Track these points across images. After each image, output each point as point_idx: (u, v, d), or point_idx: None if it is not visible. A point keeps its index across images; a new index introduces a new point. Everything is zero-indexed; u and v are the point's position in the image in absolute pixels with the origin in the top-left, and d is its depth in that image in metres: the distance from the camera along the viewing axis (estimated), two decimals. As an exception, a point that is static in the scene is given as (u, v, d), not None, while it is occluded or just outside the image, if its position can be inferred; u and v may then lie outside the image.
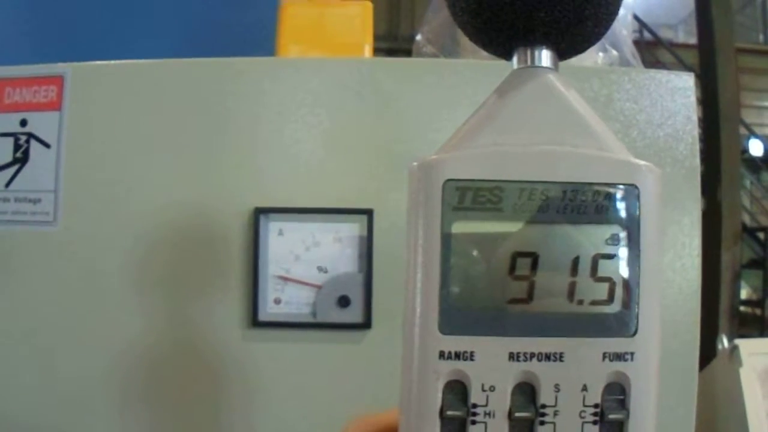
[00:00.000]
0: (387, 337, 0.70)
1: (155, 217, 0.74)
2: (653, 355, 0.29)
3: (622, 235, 0.29)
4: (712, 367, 1.20)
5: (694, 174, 0.74)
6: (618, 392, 0.29)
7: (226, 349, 0.72)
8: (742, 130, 3.64)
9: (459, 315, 0.29)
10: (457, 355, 0.29)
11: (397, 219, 0.71)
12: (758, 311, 3.93)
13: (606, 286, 0.29)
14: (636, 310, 0.29)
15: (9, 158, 0.77)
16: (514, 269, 0.29)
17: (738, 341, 1.14)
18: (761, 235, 4.22)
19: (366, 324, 0.71)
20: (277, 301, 0.72)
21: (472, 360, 0.29)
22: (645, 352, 0.29)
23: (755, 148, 4.94)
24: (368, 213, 0.71)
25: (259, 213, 0.72)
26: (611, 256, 0.29)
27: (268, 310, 0.72)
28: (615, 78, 0.75)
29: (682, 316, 0.72)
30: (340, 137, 0.74)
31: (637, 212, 0.29)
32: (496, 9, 0.30)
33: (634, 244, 0.29)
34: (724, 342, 1.20)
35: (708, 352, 1.14)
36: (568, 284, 0.29)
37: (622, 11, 1.11)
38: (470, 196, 0.29)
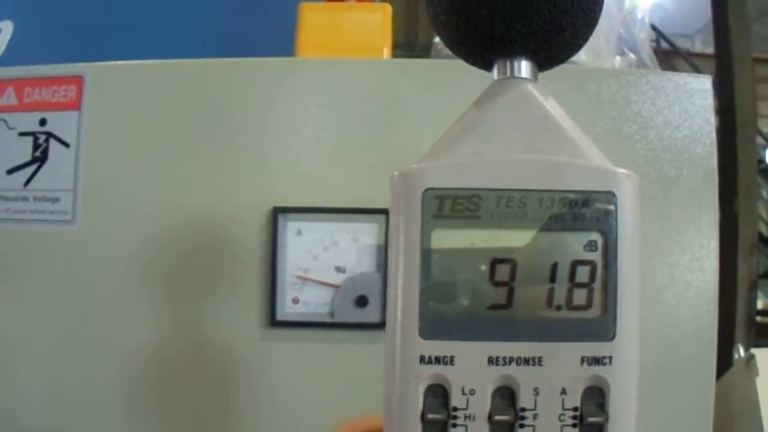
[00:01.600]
0: (405, 338, 0.69)
1: (174, 217, 0.72)
2: (632, 359, 0.28)
3: (600, 241, 0.28)
4: (729, 376, 1.16)
5: (711, 175, 0.71)
6: (597, 396, 0.28)
7: (245, 349, 0.71)
8: (759, 140, 3.51)
9: (439, 320, 0.28)
10: (438, 360, 0.28)
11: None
12: None
13: (584, 291, 0.28)
14: (614, 314, 0.28)
15: (28, 157, 0.75)
16: (493, 275, 0.28)
17: (754, 351, 1.10)
18: None
19: (384, 324, 0.69)
20: (296, 301, 0.70)
21: (452, 364, 0.28)
22: (623, 356, 0.28)
23: None
24: (386, 213, 0.69)
25: (278, 212, 0.70)
26: (589, 262, 0.28)
27: (287, 310, 0.70)
28: (633, 80, 0.73)
29: (699, 318, 0.70)
30: (358, 137, 0.72)
31: (615, 219, 0.28)
32: (475, 22, 0.29)
33: (611, 250, 0.28)
34: (741, 351, 1.16)
35: (724, 362, 1.10)
36: (547, 290, 0.28)
37: (639, 15, 1.09)
38: (449, 205, 0.28)
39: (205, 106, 0.74)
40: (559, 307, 0.28)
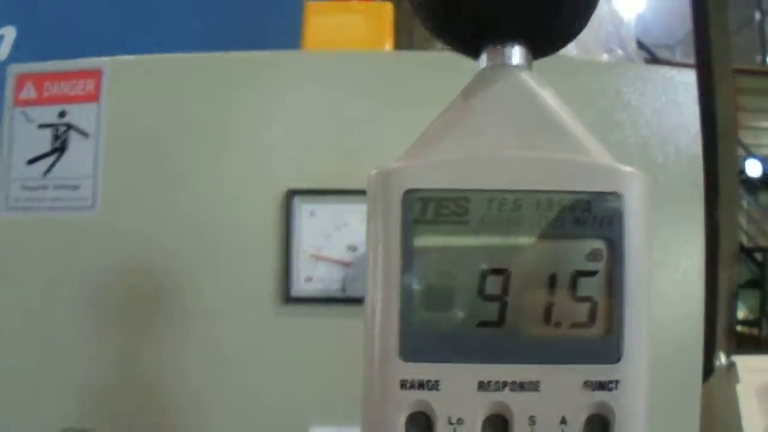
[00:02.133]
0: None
1: (191, 201, 0.74)
2: (640, 384, 0.24)
3: (605, 249, 0.24)
4: (710, 383, 1.14)
5: (696, 162, 0.75)
6: (601, 425, 0.24)
7: (260, 325, 0.72)
8: (740, 151, 3.48)
9: (422, 340, 0.24)
10: (421, 385, 0.24)
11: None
12: (755, 331, 3.76)
13: (587, 306, 0.24)
14: (621, 333, 0.24)
15: (48, 148, 0.77)
16: (484, 288, 0.24)
17: (735, 358, 1.08)
18: (758, 256, 4.04)
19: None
20: (309, 279, 0.72)
21: (437, 390, 0.24)
22: (631, 380, 0.24)
23: (753, 168, 4.74)
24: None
25: (292, 195, 0.72)
26: (592, 273, 0.24)
27: (301, 287, 0.72)
28: (622, 72, 0.76)
29: (687, 300, 0.73)
30: (367, 124, 0.75)
31: (621, 224, 0.24)
32: (459, 1, 0.25)
33: (617, 259, 0.24)
34: (722, 359, 1.13)
35: (706, 370, 1.08)
36: (545, 305, 0.24)
37: (625, 17, 1.07)
38: (433, 208, 0.24)
39: (219, 97, 0.77)
40: (558, 325, 0.24)
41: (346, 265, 0.72)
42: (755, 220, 4.70)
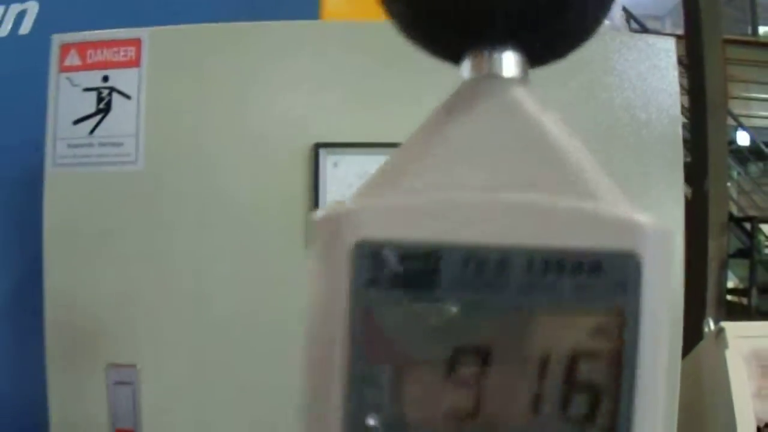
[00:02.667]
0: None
1: (229, 152, 0.81)
2: None
3: (614, 325, 0.18)
4: (699, 349, 1.12)
5: (676, 121, 0.81)
6: None
7: (290, 265, 0.78)
8: (730, 121, 3.47)
9: None
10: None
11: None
12: (744, 300, 3.78)
13: (586, 398, 0.18)
14: None
15: (92, 109, 0.83)
16: (455, 370, 0.18)
17: (724, 324, 1.06)
18: (748, 225, 4.04)
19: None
20: None
21: None
22: (640, 494, 0.18)
23: (742, 139, 4.73)
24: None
25: (318, 147, 0.80)
26: (596, 356, 0.18)
27: None
28: (609, 40, 0.82)
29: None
30: (385, 84, 0.82)
31: (638, 292, 0.18)
32: None
33: (630, 338, 0.18)
34: (711, 324, 1.11)
35: (695, 337, 1.06)
36: (533, 394, 0.18)
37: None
38: (393, 266, 0.18)
39: (250, 62, 0.83)
40: (548, 419, 0.18)
41: None
42: (745, 191, 4.72)
